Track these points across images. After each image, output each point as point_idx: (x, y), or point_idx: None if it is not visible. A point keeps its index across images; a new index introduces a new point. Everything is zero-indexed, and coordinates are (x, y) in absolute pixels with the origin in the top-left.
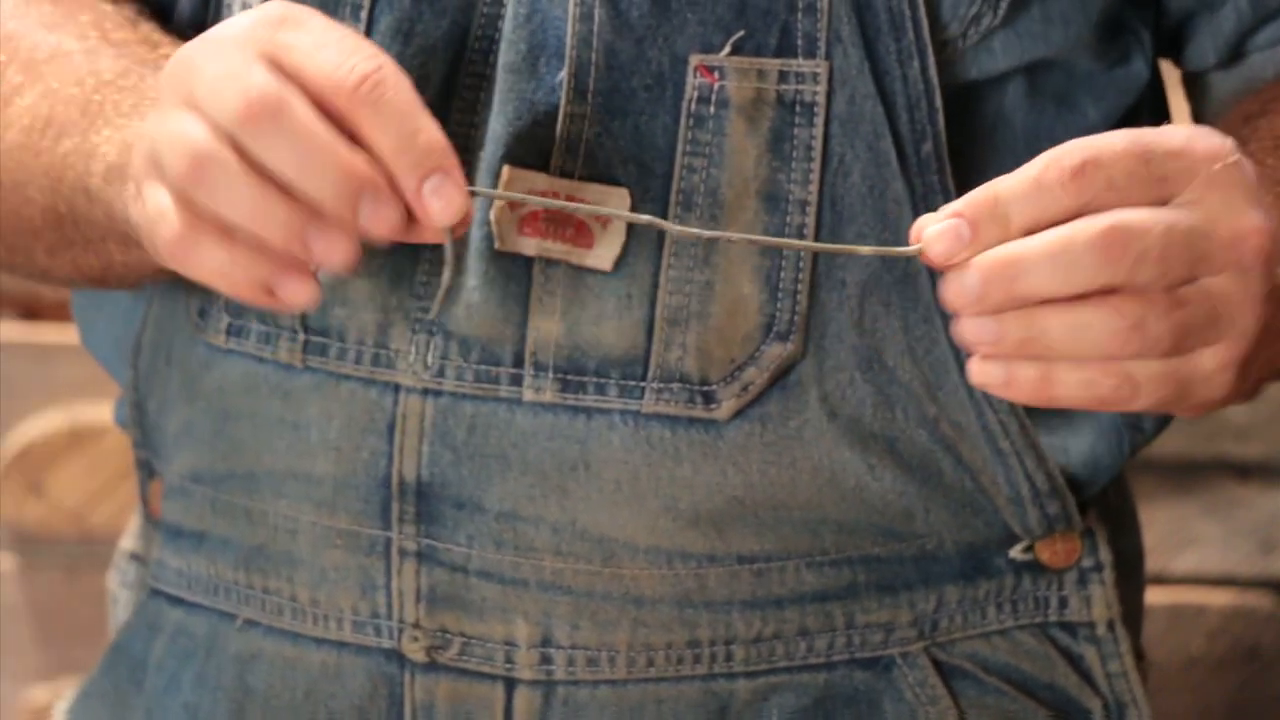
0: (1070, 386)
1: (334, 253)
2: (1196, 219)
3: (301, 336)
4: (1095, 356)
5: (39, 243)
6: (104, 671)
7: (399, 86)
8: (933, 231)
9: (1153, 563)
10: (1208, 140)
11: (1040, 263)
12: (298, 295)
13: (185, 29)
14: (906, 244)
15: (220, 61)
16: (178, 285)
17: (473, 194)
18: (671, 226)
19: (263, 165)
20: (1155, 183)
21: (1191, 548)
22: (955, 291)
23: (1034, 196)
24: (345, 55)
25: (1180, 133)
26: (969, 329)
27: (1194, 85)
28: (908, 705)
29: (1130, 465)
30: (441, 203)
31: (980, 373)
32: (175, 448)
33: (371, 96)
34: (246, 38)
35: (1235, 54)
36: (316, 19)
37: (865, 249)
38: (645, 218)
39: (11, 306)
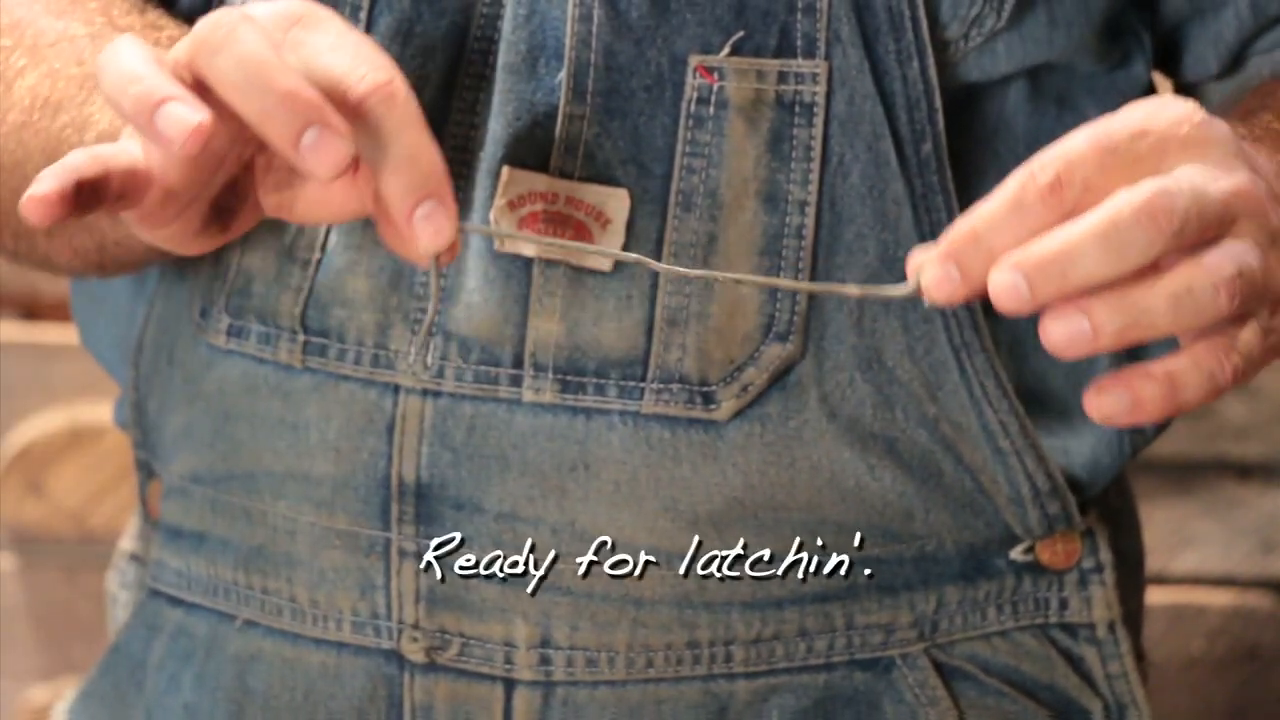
0: (1193, 388)
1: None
2: (1198, 178)
3: (301, 337)
4: (1201, 324)
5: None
6: (103, 672)
7: (408, 104)
8: (929, 281)
9: (1153, 563)
10: (1168, 109)
11: (1090, 247)
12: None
13: (188, 16)
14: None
15: (221, 31)
16: (180, 285)
17: (462, 230)
18: (659, 266)
19: (212, 88)
20: (1129, 166)
21: (1191, 548)
22: (1004, 295)
23: (1015, 220)
24: (359, 62)
25: (1138, 110)
26: (1057, 331)
27: (1192, 96)
28: (908, 706)
29: (1130, 465)
30: (431, 229)
31: (1102, 406)
32: (175, 448)
33: (379, 108)
34: (260, 26)
35: (1236, 62)
36: (336, 22)
37: (854, 289)
38: (633, 256)
39: (11, 306)
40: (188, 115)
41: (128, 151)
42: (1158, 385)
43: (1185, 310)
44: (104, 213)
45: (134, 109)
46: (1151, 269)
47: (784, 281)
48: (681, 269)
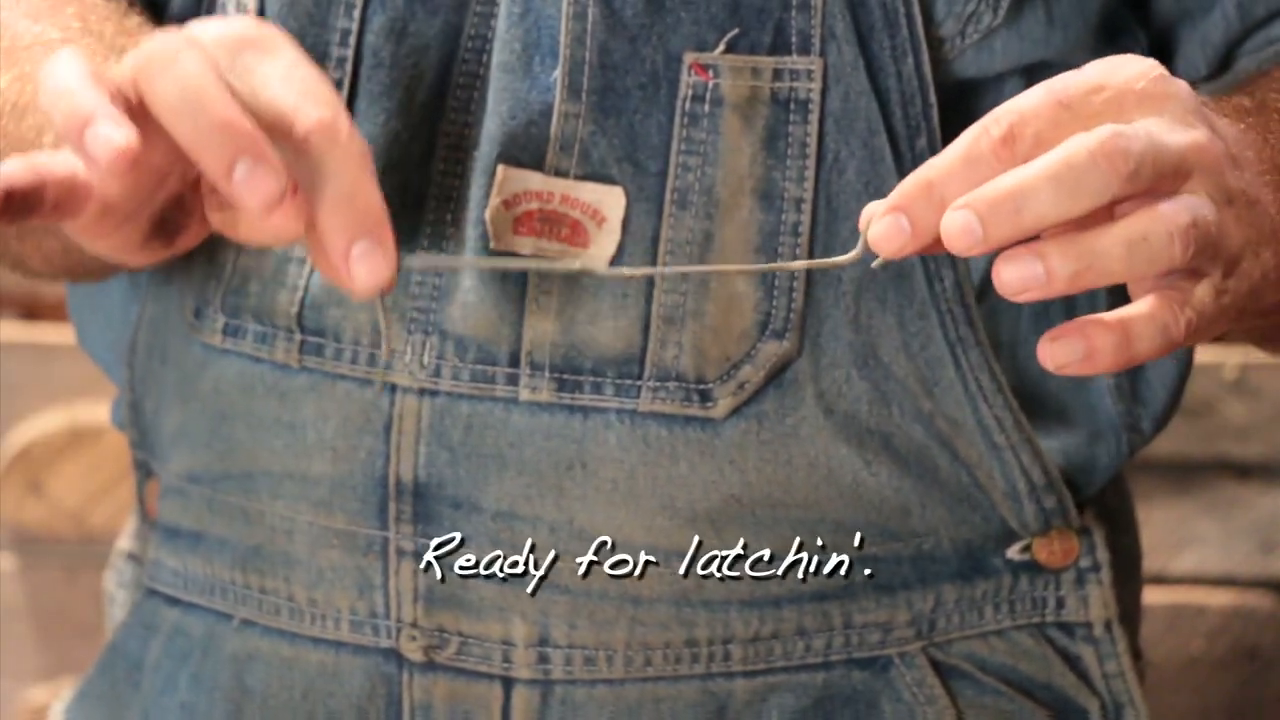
0: (1146, 340)
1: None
2: (1155, 128)
3: (298, 337)
4: (1154, 272)
5: (9, 227)
6: (100, 672)
7: (350, 142)
8: (876, 233)
9: (1152, 563)
10: (1127, 66)
11: (1043, 187)
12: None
13: (179, 20)
14: None
15: (165, 54)
16: (171, 285)
17: (401, 265)
18: (603, 271)
19: (150, 109)
20: (1085, 121)
21: (1191, 548)
22: (956, 235)
23: (967, 172)
24: (305, 97)
25: (1098, 66)
26: (1009, 274)
27: None
28: (906, 705)
29: (1129, 465)
30: (365, 269)
31: (1055, 354)
32: (172, 448)
33: (321, 145)
34: (206, 52)
35: (1224, 64)
36: (289, 51)
37: (799, 263)
38: (576, 265)
39: (11, 306)
40: (114, 136)
41: (67, 162)
42: (1111, 334)
43: (1139, 257)
44: (40, 221)
45: (64, 125)
46: (1108, 216)
47: (730, 266)
48: (624, 270)
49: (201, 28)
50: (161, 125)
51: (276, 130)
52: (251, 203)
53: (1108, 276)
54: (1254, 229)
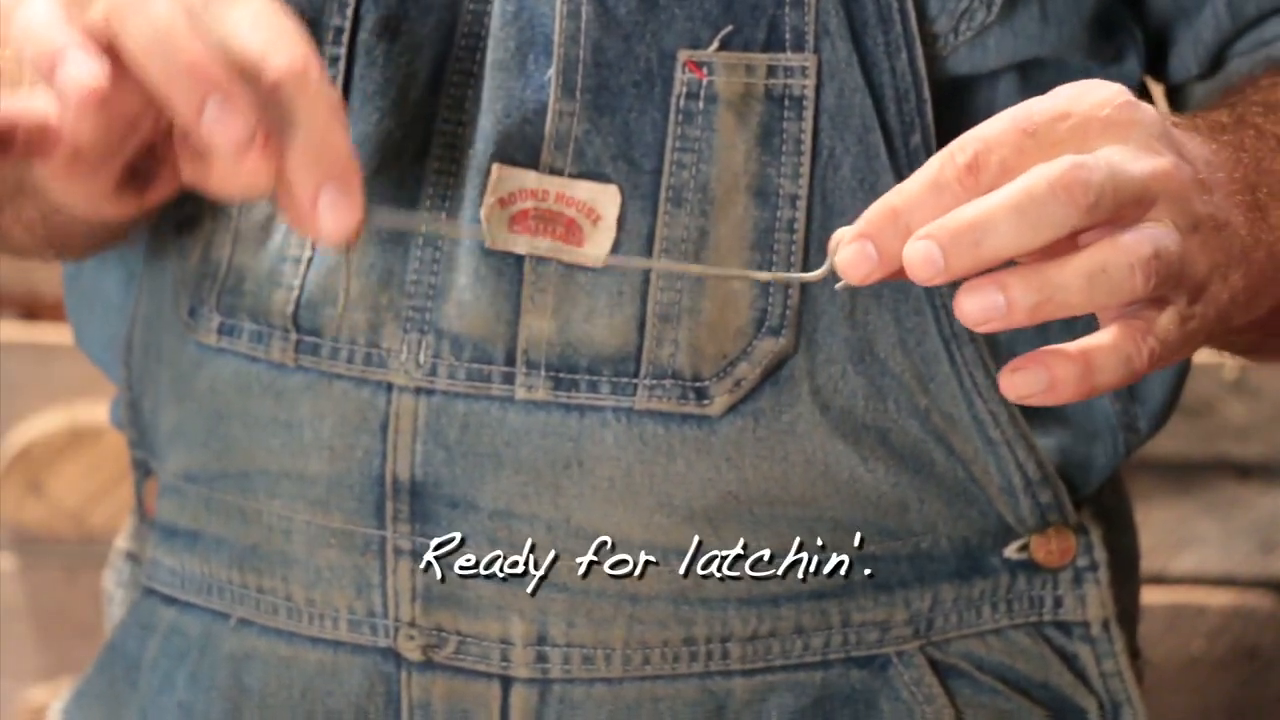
0: (1109, 371)
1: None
2: (1117, 157)
3: (294, 336)
4: (1115, 303)
5: None
6: (99, 671)
7: (321, 87)
8: (844, 259)
9: (1152, 563)
10: (1093, 92)
11: (1003, 219)
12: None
13: None
14: None
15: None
16: (165, 283)
17: (368, 218)
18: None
19: (121, 50)
20: (1049, 149)
21: (1191, 548)
22: (918, 265)
23: (932, 199)
24: (276, 41)
25: (1064, 93)
26: (970, 305)
27: (1177, 98)
28: (904, 704)
29: (1129, 465)
30: (332, 217)
31: (1017, 385)
32: (169, 446)
33: (290, 88)
34: None
35: (1216, 64)
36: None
37: (765, 275)
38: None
39: (11, 306)
40: (83, 73)
41: (38, 103)
42: (1074, 365)
43: (1100, 289)
44: (11, 160)
45: (35, 62)
46: (1071, 246)
47: (694, 266)
48: (593, 255)
49: None
50: (133, 67)
51: (247, 76)
52: (221, 141)
53: (1068, 308)
54: (1222, 252)
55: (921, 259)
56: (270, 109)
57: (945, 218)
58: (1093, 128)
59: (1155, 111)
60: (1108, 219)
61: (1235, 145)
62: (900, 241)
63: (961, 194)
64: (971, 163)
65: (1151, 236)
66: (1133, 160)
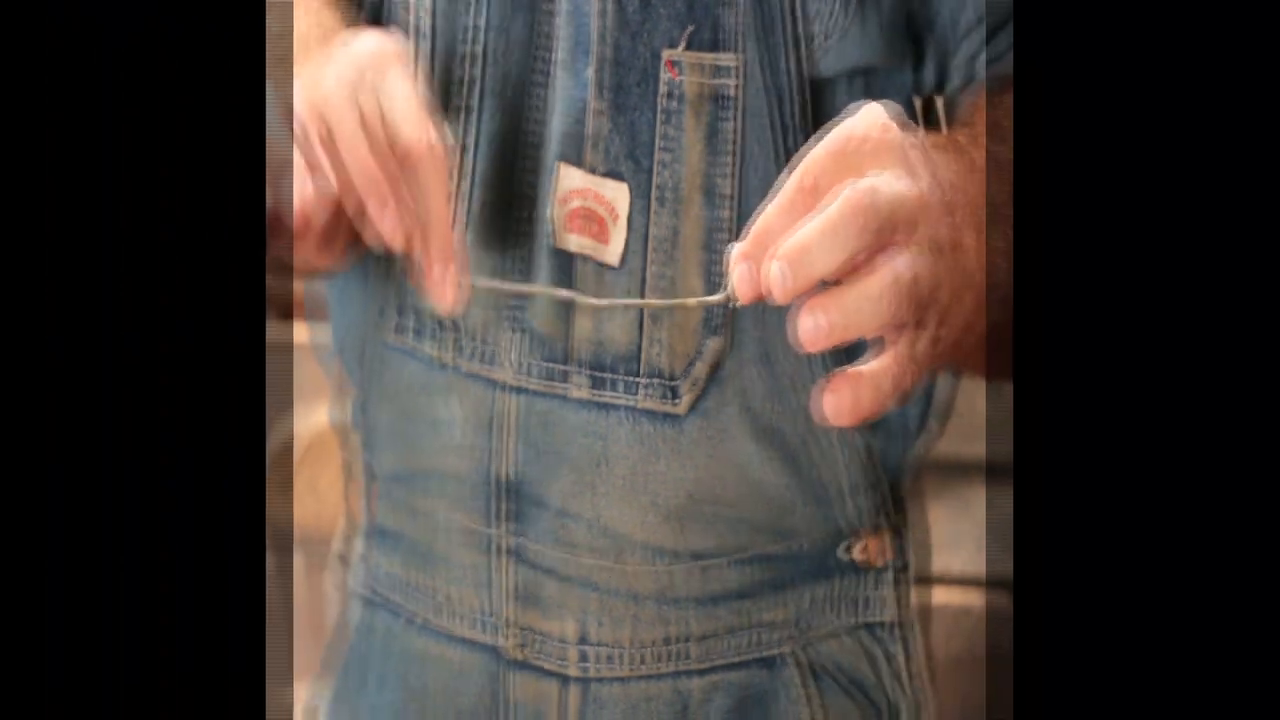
0: (885, 393)
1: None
2: (895, 182)
3: (451, 335)
4: (875, 329)
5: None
6: (344, 672)
7: (440, 168)
8: (736, 280)
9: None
10: (868, 116)
11: (820, 243)
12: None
13: None
14: None
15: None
16: (365, 287)
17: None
18: (585, 299)
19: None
20: (850, 171)
21: (947, 549)
22: (774, 283)
23: (787, 220)
24: (421, 123)
25: (861, 118)
26: (803, 326)
27: (947, 107)
28: (792, 704)
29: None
30: (438, 292)
31: (829, 404)
32: (381, 449)
33: (417, 165)
34: (356, 71)
35: (962, 75)
36: (398, 75)
37: (692, 301)
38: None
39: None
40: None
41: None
42: (866, 387)
43: (866, 314)
44: (277, 243)
45: (305, 154)
46: (869, 271)
47: (655, 301)
48: (604, 301)
49: (361, 45)
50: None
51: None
52: (381, 230)
53: (858, 330)
54: (960, 274)
55: (776, 278)
56: (406, 175)
57: (789, 241)
58: (866, 150)
59: (900, 135)
60: (886, 242)
61: (968, 167)
62: (766, 262)
63: (803, 210)
64: (811, 185)
65: (910, 262)
66: (903, 184)
